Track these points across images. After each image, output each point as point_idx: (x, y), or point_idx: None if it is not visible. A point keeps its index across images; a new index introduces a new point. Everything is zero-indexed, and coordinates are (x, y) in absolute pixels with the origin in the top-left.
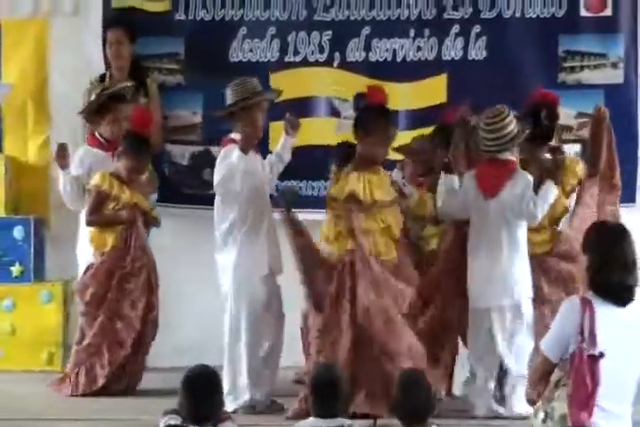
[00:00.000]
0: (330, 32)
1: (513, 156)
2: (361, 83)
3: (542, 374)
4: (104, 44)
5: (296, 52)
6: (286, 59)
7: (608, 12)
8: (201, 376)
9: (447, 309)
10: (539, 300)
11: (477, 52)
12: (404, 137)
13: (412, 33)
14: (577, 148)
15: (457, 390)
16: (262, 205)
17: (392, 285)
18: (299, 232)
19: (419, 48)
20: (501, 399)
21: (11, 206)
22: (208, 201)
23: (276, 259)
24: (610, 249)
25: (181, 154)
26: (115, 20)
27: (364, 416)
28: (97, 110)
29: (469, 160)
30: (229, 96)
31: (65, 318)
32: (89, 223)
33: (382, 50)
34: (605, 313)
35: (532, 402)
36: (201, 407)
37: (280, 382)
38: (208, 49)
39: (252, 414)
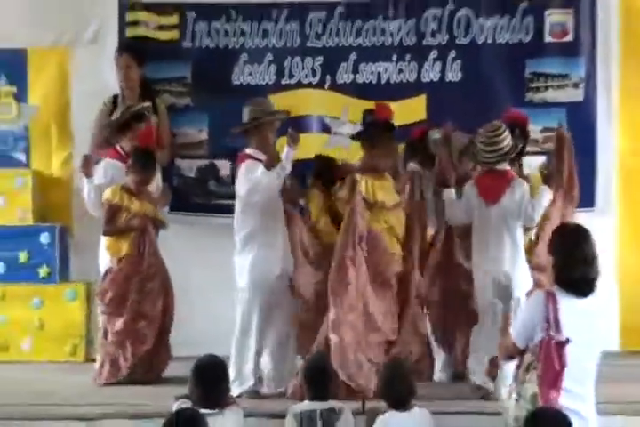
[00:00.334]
0: (321, 57)
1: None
2: (349, 102)
3: (507, 357)
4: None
5: (291, 76)
6: (283, 81)
7: (569, 37)
8: (209, 365)
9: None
10: None
11: (453, 74)
12: None
13: (394, 58)
14: (542, 159)
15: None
16: (278, 215)
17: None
18: None
19: (400, 71)
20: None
21: (38, 215)
22: (213, 209)
23: (287, 261)
24: (572, 249)
25: (189, 167)
26: (127, 46)
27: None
28: (120, 127)
29: (455, 172)
30: (245, 115)
31: (87, 315)
32: (105, 233)
33: (368, 73)
34: (567, 304)
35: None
36: (209, 393)
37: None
38: (212, 73)
39: (255, 398)
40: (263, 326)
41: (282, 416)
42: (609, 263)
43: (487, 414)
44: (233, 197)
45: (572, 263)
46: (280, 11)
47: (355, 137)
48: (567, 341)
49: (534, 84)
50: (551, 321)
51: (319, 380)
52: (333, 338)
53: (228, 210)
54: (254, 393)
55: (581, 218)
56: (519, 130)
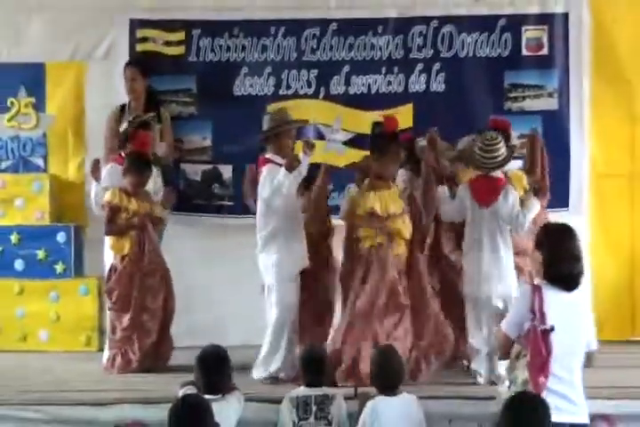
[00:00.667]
0: (316, 70)
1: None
2: (342, 111)
3: (505, 348)
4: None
5: (288, 87)
6: (280, 92)
7: (545, 51)
8: (212, 354)
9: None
10: None
11: (438, 85)
12: None
13: (383, 70)
14: (519, 163)
15: None
16: (297, 214)
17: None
18: None
19: (389, 82)
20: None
21: (54, 216)
22: (216, 210)
23: (305, 260)
24: (558, 246)
25: (194, 171)
26: (133, 60)
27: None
28: (128, 136)
29: (438, 175)
30: (265, 123)
31: (100, 308)
32: (107, 233)
33: (359, 84)
34: (553, 296)
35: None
36: (213, 380)
37: None
38: (216, 85)
39: (275, 384)
40: (295, 319)
41: (279, 401)
42: None
43: (475, 399)
44: (234, 198)
45: (558, 259)
46: (278, 27)
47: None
48: (552, 329)
49: (512, 94)
50: (536, 312)
51: (314, 368)
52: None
53: (230, 211)
54: (274, 379)
55: (556, 217)
56: (503, 135)
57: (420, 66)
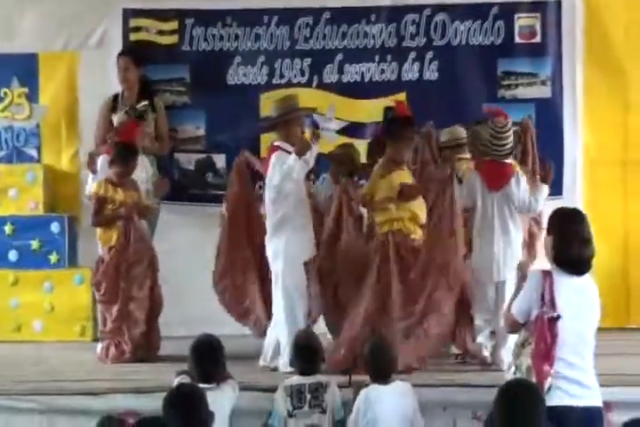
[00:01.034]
0: (309, 59)
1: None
2: (335, 100)
3: (513, 328)
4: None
5: (281, 76)
6: (274, 81)
7: (537, 39)
8: (206, 343)
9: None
10: None
11: (431, 73)
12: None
13: (376, 59)
14: None
15: None
16: (306, 201)
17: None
18: None
19: (382, 71)
20: (493, 351)
21: (48, 206)
22: (210, 199)
23: (314, 246)
24: (567, 229)
25: (188, 161)
26: (127, 50)
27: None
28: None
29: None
30: (273, 111)
31: (94, 298)
32: (94, 224)
33: (352, 73)
34: (564, 282)
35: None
36: (207, 369)
37: None
38: (209, 74)
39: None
40: (305, 305)
41: (274, 390)
42: None
43: (470, 387)
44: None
45: (568, 243)
46: (271, 16)
47: (381, 132)
48: (558, 317)
49: (505, 82)
50: (546, 299)
51: (307, 356)
52: None
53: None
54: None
55: (551, 204)
56: None
57: (413, 54)
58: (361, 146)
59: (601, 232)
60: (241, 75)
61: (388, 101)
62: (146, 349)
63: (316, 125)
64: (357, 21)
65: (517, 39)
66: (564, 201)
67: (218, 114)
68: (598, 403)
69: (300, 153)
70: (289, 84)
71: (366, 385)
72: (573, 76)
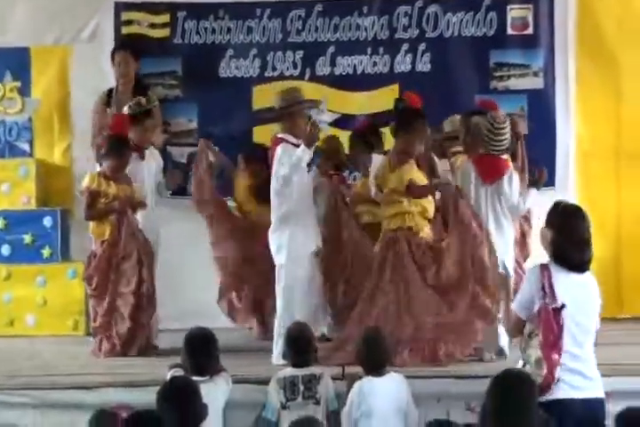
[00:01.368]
0: (301, 51)
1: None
2: (327, 92)
3: (516, 327)
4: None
5: (274, 69)
6: (266, 74)
7: (530, 30)
8: (199, 336)
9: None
10: None
11: (423, 65)
12: None
13: (369, 51)
14: None
15: None
16: (310, 195)
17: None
18: None
19: (375, 63)
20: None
21: (41, 200)
22: None
23: (318, 239)
24: (568, 228)
25: (180, 154)
26: (123, 44)
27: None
28: (131, 121)
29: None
30: (277, 103)
31: (87, 292)
32: (88, 218)
33: (344, 65)
34: (562, 275)
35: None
36: (200, 362)
37: None
38: (201, 67)
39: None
40: (307, 299)
41: (267, 383)
42: None
43: (463, 378)
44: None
45: (569, 244)
46: (263, 9)
47: (392, 123)
48: (563, 306)
49: (498, 74)
50: (547, 290)
51: (300, 348)
52: None
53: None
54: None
55: (543, 196)
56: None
57: (405, 46)
58: None
59: (594, 223)
60: (233, 68)
61: (381, 93)
62: (135, 344)
63: (308, 118)
64: (349, 14)
65: (510, 30)
66: (556, 192)
67: (210, 107)
68: (601, 394)
69: (310, 144)
70: (281, 77)
71: (360, 377)
72: (566, 68)
